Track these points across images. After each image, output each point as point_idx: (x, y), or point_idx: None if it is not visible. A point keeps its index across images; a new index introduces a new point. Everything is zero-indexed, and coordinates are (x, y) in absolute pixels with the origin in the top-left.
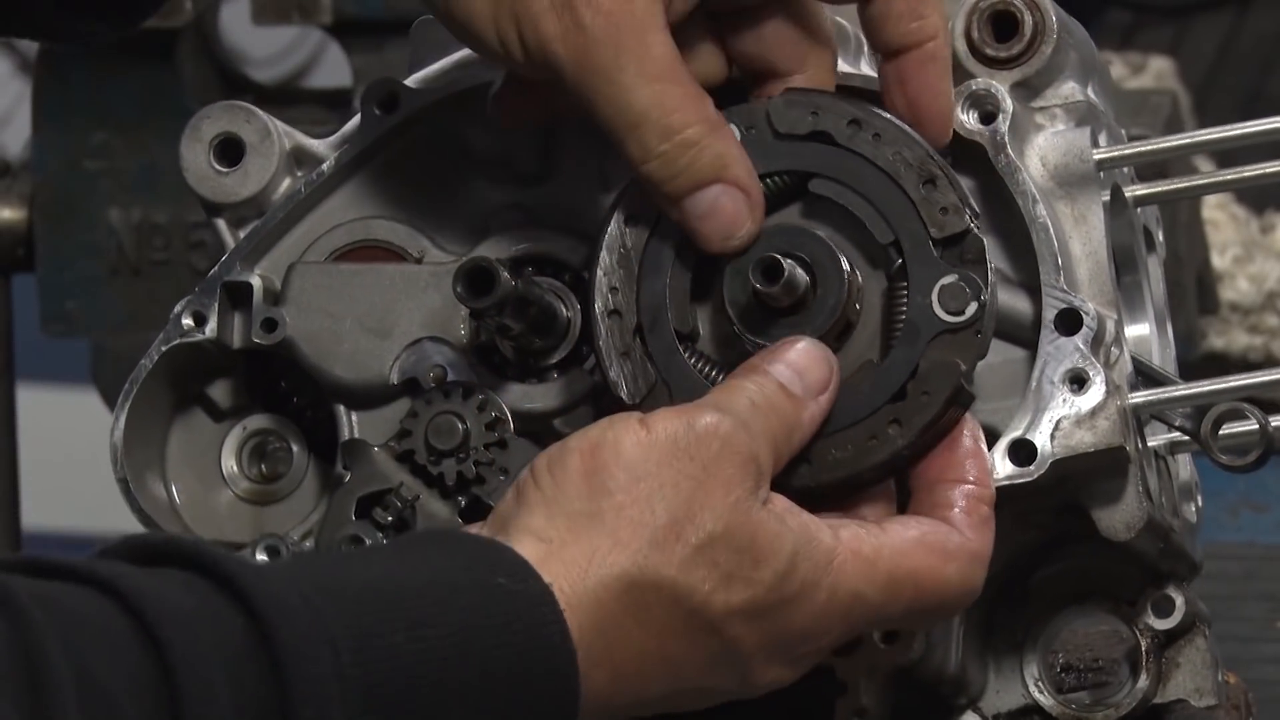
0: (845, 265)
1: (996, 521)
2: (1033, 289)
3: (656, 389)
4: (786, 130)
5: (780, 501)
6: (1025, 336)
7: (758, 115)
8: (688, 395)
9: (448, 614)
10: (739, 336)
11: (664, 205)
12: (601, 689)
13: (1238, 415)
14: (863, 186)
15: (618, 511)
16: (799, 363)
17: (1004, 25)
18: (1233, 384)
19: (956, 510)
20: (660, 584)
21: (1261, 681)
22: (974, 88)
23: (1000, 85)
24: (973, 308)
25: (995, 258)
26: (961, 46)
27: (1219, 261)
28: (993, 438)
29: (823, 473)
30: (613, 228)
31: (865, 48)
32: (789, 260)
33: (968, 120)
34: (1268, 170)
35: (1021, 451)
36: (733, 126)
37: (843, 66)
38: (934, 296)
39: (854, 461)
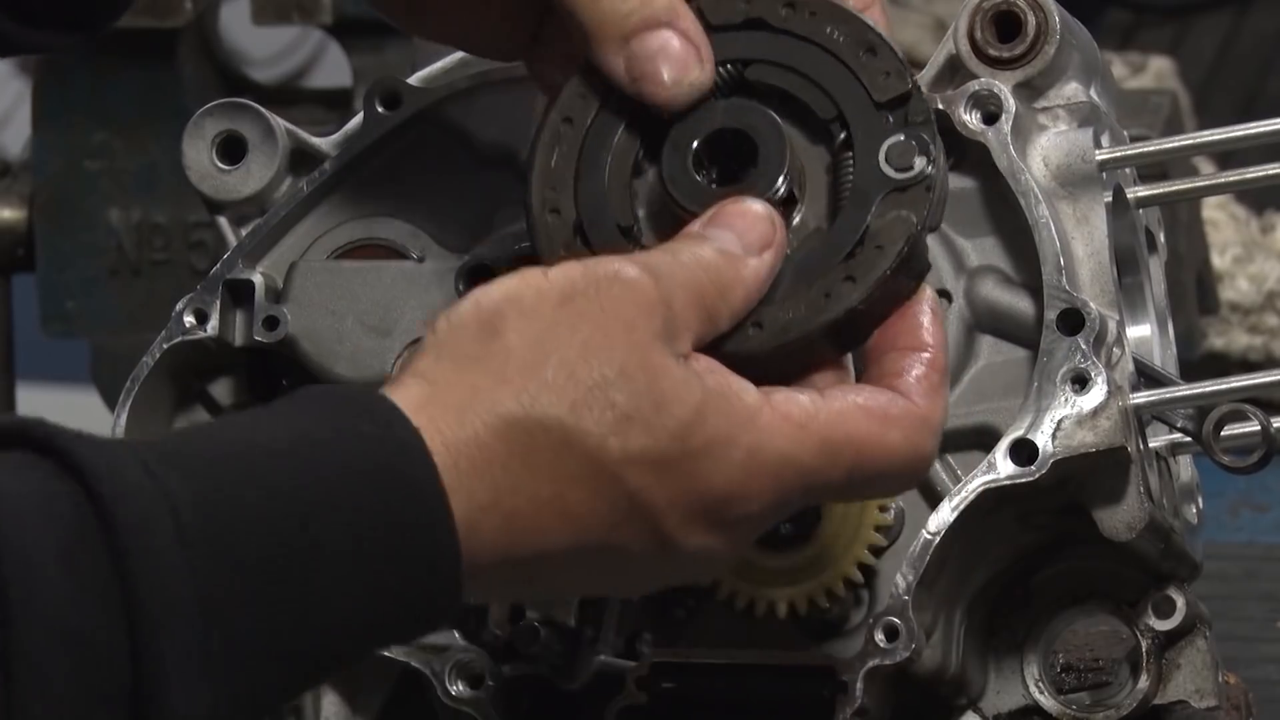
0: (786, 134)
1: (997, 522)
2: (1034, 289)
3: None
4: (720, 22)
5: (703, 361)
6: (1027, 336)
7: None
8: None
9: (305, 469)
10: (678, 211)
11: (610, 51)
12: (494, 538)
13: (1240, 416)
14: (802, 65)
15: (507, 352)
16: (736, 222)
17: (1007, 26)
18: (1234, 385)
19: (906, 377)
20: (548, 424)
21: (1262, 681)
22: (976, 88)
23: (1003, 85)
24: (921, 162)
25: (997, 258)
26: (964, 47)
27: (1219, 261)
28: (994, 438)
29: (774, 336)
30: (549, 126)
31: None
32: (728, 130)
33: (970, 120)
34: (1270, 171)
35: (1023, 451)
36: None
37: None
38: (881, 156)
39: (807, 321)
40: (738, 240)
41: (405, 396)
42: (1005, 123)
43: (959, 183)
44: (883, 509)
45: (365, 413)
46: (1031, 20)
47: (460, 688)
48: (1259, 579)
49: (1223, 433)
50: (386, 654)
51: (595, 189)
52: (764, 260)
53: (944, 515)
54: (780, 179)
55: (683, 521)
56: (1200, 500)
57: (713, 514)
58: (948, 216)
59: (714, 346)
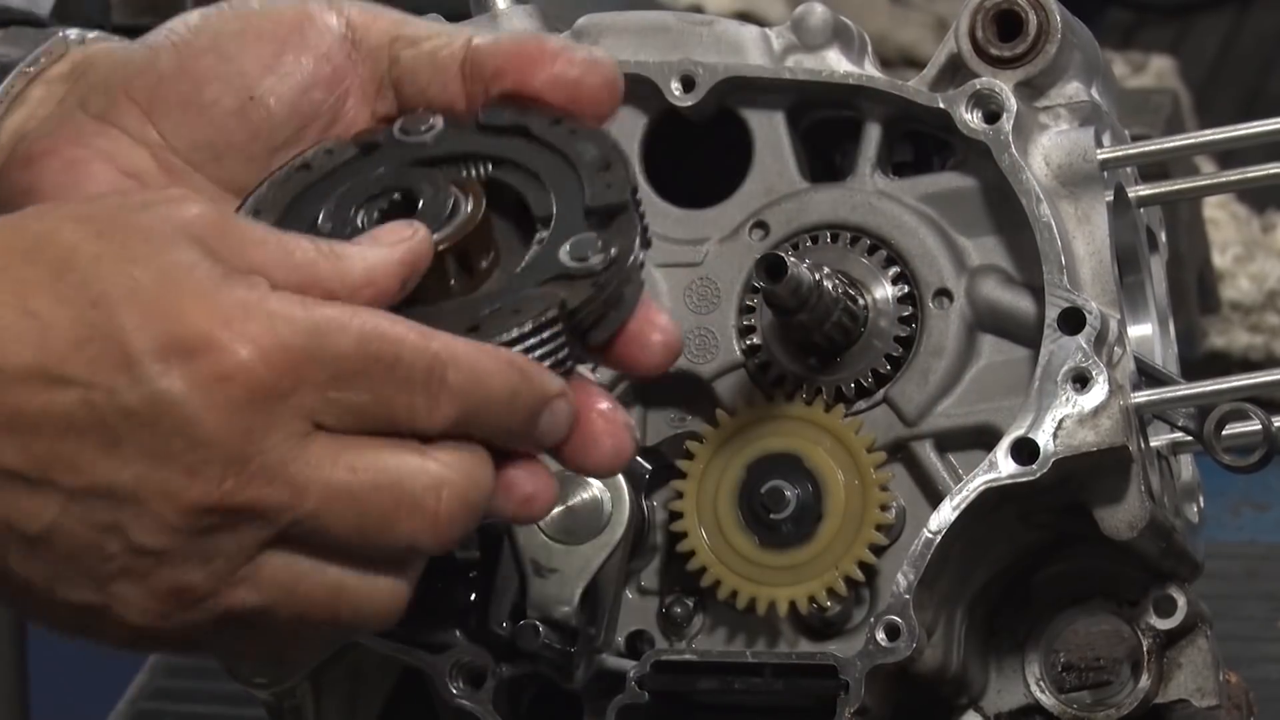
0: (455, 194)
1: (999, 521)
2: (1036, 288)
3: None
4: (488, 122)
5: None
6: (1028, 336)
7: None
8: None
9: None
10: None
11: None
12: None
13: (1241, 415)
14: (541, 171)
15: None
16: (377, 230)
17: (1008, 25)
18: (1235, 384)
19: None
20: (28, 222)
21: (1263, 681)
22: (978, 87)
23: (1004, 84)
24: (598, 259)
25: (999, 257)
26: (966, 46)
27: (1220, 260)
28: (995, 437)
29: None
30: (286, 168)
31: (869, 48)
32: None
33: (972, 120)
34: (1271, 171)
35: (1024, 450)
36: (439, 116)
37: (846, 66)
38: (564, 247)
39: None
40: (371, 238)
41: None
42: (1006, 122)
43: (960, 182)
44: (884, 508)
45: None
46: (1033, 19)
47: (461, 687)
48: (1260, 578)
49: (1224, 432)
50: (387, 652)
51: (301, 217)
52: (395, 249)
53: (945, 514)
54: (442, 224)
55: (154, 349)
56: (1201, 499)
57: (185, 352)
58: (949, 216)
59: None
